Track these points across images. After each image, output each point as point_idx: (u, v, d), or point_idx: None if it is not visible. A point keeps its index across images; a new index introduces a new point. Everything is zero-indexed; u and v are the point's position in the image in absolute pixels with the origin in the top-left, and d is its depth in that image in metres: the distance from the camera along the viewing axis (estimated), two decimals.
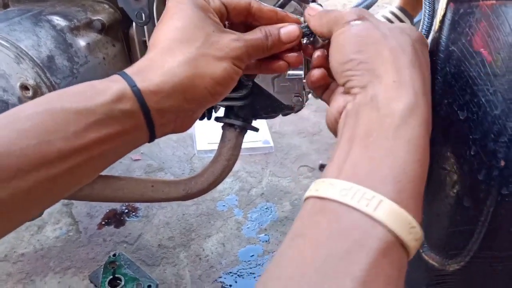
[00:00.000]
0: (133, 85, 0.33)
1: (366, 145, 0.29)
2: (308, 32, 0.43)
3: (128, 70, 0.35)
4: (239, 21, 0.42)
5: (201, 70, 0.35)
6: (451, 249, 0.44)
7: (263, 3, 0.42)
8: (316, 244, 0.26)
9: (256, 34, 0.40)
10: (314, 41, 0.44)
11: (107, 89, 0.33)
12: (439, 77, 0.44)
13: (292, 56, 0.43)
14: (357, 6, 0.61)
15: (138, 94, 0.33)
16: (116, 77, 0.34)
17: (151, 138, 0.36)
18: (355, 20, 0.37)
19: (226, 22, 0.42)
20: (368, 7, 0.62)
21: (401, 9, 1.84)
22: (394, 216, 0.26)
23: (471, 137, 0.41)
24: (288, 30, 0.41)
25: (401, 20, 1.84)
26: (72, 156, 0.31)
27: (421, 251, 0.47)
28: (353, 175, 0.28)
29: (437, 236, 0.46)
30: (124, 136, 0.34)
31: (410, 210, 0.27)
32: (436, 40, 0.45)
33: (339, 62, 0.36)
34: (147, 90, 0.33)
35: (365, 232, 0.25)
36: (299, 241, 0.26)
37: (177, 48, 0.35)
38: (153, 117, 0.34)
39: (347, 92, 0.35)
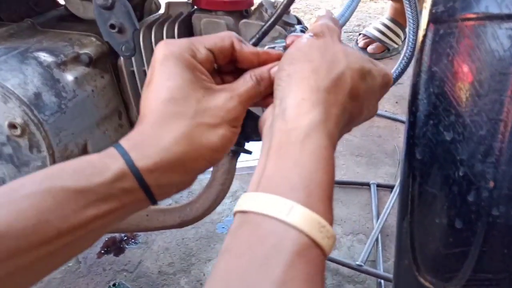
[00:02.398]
0: (131, 165, 0.33)
1: (278, 157, 0.32)
2: None
3: (124, 144, 0.34)
4: (227, 61, 0.41)
5: (197, 143, 0.35)
6: (446, 271, 0.43)
7: (245, 43, 0.41)
8: (238, 255, 0.27)
9: (247, 83, 0.39)
10: None
11: (106, 168, 0.33)
12: (423, 99, 0.44)
13: None
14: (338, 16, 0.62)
15: (137, 174, 0.33)
16: (113, 153, 0.34)
17: (153, 204, 0.36)
18: (311, 35, 0.39)
19: (215, 65, 0.41)
20: (347, 19, 0.62)
21: (392, 20, 1.86)
22: (305, 218, 0.28)
23: (458, 158, 0.41)
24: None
25: (392, 31, 1.85)
26: (71, 233, 0.31)
27: (417, 274, 0.46)
28: (269, 186, 0.30)
29: (431, 258, 0.45)
30: (124, 209, 0.34)
31: (319, 212, 0.29)
32: (419, 61, 0.45)
33: (278, 69, 0.37)
34: (145, 168, 0.33)
35: (281, 236, 0.28)
36: (225, 256, 0.28)
37: (170, 121, 0.35)
38: (153, 190, 0.34)
39: (274, 100, 0.36)
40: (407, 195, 0.47)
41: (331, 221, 0.30)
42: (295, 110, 0.33)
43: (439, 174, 0.43)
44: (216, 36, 0.39)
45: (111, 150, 0.34)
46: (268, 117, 0.36)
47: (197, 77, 0.37)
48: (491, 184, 0.39)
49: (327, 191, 0.31)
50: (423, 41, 0.44)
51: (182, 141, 0.34)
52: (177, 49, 0.37)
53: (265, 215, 0.29)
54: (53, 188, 0.31)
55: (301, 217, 0.28)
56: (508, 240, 0.39)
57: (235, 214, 0.31)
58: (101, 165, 0.33)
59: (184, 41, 0.38)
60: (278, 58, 0.42)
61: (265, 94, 0.41)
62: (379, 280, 0.94)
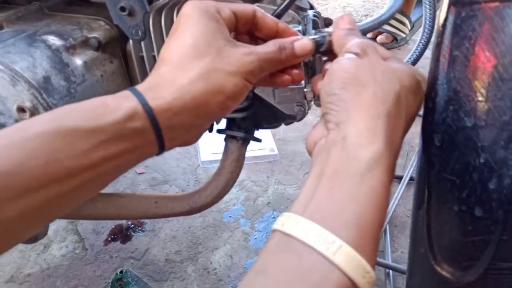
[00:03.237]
0: (144, 103, 0.33)
1: (332, 186, 0.31)
2: (319, 43, 0.42)
3: (139, 87, 0.34)
4: (245, 30, 0.42)
5: (212, 85, 0.35)
6: (464, 260, 0.42)
7: (266, 13, 0.41)
8: (276, 284, 0.27)
9: (269, 47, 0.40)
10: (322, 53, 0.44)
11: (118, 107, 0.32)
12: (443, 84, 0.43)
13: (295, 72, 0.43)
14: (361, 25, 0.60)
15: (150, 112, 0.33)
16: (127, 94, 0.34)
17: (160, 152, 0.36)
18: (353, 53, 0.37)
19: (232, 33, 0.42)
20: (373, 28, 0.61)
21: None
22: (351, 261, 0.28)
23: (479, 144, 0.40)
24: (302, 43, 0.41)
25: (397, 20, 1.83)
26: (81, 174, 0.31)
27: (433, 263, 0.45)
28: (318, 215, 0.29)
29: (449, 247, 0.44)
30: (134, 152, 0.34)
31: (366, 255, 0.29)
32: (439, 45, 0.44)
33: (325, 91, 0.36)
34: (158, 108, 0.33)
35: (323, 275, 0.27)
36: (261, 278, 0.28)
37: (188, 64, 0.35)
38: (164, 133, 0.34)
39: (325, 123, 0.36)
40: (423, 183, 0.46)
41: (374, 264, 0.30)
42: (357, 139, 0.32)
43: (459, 161, 0.42)
44: (240, 3, 0.41)
45: (125, 92, 0.34)
46: (319, 138, 0.36)
47: (220, 29, 0.37)
48: None
49: (378, 231, 0.30)
50: (444, 25, 0.43)
51: (197, 81, 0.35)
52: (204, 5, 0.37)
53: (311, 247, 0.28)
54: (64, 127, 0.30)
55: (348, 259, 0.28)
56: None
57: (273, 231, 0.30)
58: (114, 104, 0.33)
59: (211, 1, 0.39)
60: (294, 33, 0.43)
61: (280, 67, 0.41)
62: (387, 270, 0.93)
